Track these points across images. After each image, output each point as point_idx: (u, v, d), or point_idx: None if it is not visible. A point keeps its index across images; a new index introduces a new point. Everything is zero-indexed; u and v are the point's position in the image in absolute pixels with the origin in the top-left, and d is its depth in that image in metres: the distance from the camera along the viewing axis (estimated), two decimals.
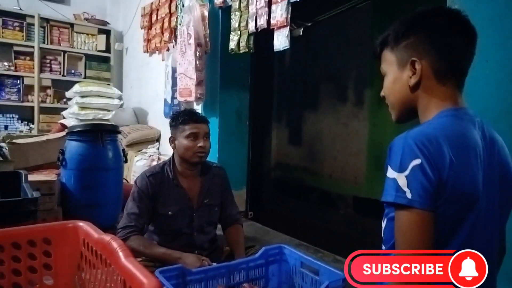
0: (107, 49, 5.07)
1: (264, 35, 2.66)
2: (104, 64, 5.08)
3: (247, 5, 2.62)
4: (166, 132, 4.03)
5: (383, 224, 0.86)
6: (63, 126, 3.82)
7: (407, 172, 0.71)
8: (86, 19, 5.07)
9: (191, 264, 1.47)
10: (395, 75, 0.87)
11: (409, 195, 0.71)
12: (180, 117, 1.76)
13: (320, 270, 1.40)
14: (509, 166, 0.85)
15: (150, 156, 3.71)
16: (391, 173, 0.74)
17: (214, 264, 1.61)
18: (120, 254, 0.70)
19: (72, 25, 4.92)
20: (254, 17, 2.54)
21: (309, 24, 3.82)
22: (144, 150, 3.94)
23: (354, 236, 4.10)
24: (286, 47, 2.33)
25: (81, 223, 0.95)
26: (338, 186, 4.76)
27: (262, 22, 2.47)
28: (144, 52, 4.40)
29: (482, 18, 1.39)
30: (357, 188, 4.52)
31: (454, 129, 0.78)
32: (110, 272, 0.76)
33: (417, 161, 0.71)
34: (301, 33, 3.45)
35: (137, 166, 3.62)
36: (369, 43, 4.42)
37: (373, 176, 4.37)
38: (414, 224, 0.71)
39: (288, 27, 2.30)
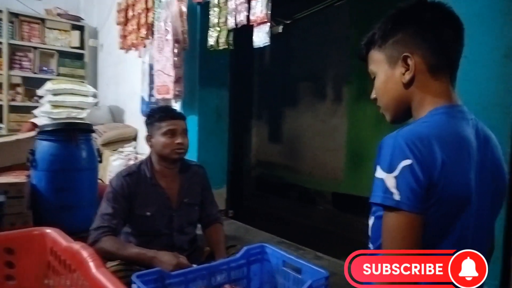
0: (81, 46, 4.91)
1: (244, 32, 2.63)
2: (78, 61, 4.91)
3: (226, 1, 2.58)
4: (143, 131, 3.91)
5: (370, 222, 0.84)
6: (34, 125, 3.67)
7: (396, 173, 0.70)
8: (58, 14, 4.89)
9: (167, 262, 1.41)
10: (386, 74, 0.85)
11: (397, 197, 0.69)
12: (156, 114, 1.70)
13: (302, 269, 1.38)
14: (501, 166, 0.84)
15: (126, 155, 3.62)
16: (379, 173, 0.72)
17: (194, 265, 1.57)
18: (91, 264, 0.64)
19: (43, 20, 4.73)
20: (234, 13, 2.49)
21: (288, 22, 3.81)
22: (120, 149, 3.84)
23: (334, 231, 4.13)
24: (267, 44, 2.30)
25: (48, 230, 0.88)
26: (318, 183, 4.79)
27: (241, 18, 2.43)
28: (120, 48, 4.27)
29: (461, 14, 1.40)
30: (336, 184, 4.56)
31: (447, 127, 0.76)
32: (80, 283, 0.70)
33: (407, 162, 0.69)
34: (280, 31, 3.43)
35: (113, 166, 3.52)
36: (347, 41, 4.46)
37: (351, 172, 4.42)
38: (401, 227, 0.70)
39: (269, 23, 2.27)
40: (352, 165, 4.38)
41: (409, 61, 0.80)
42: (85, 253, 0.68)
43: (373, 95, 0.91)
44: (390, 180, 0.70)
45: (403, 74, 0.81)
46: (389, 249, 0.72)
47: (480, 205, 0.78)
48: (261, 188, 4.63)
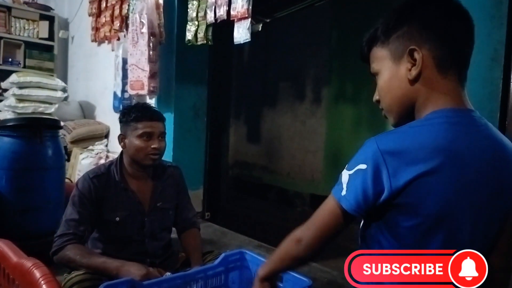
0: (51, 37, 4.65)
1: (223, 27, 2.53)
2: (46, 53, 4.65)
3: None
4: (115, 128, 3.77)
5: (362, 222, 0.84)
6: None
7: (351, 172, 0.73)
8: (26, 3, 4.62)
9: (134, 273, 1.31)
10: (391, 71, 0.79)
11: (343, 192, 0.73)
12: (132, 113, 1.56)
13: (284, 277, 1.31)
14: (507, 177, 0.76)
15: (97, 153, 3.44)
16: (345, 167, 0.76)
17: (168, 273, 1.47)
18: (44, 287, 0.53)
19: (9, 8, 4.45)
20: (213, 7, 2.40)
21: (268, 20, 3.74)
22: (90, 147, 3.65)
23: None
24: (247, 40, 2.23)
25: None
26: (296, 184, 4.76)
27: (221, 12, 2.34)
28: (92, 41, 4.08)
29: None
30: (314, 186, 4.55)
31: (437, 135, 0.70)
32: None
33: (363, 166, 0.71)
34: (260, 29, 3.36)
35: (82, 164, 3.34)
36: (328, 42, 4.45)
37: (330, 174, 4.42)
38: (328, 215, 0.77)
39: (250, 19, 2.20)
40: (330, 167, 4.37)
41: (416, 55, 0.74)
42: (38, 273, 0.57)
43: (375, 97, 0.85)
44: (345, 176, 0.74)
45: (409, 69, 0.75)
46: (308, 223, 0.81)
47: (465, 223, 0.72)
48: (239, 189, 4.55)
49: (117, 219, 1.54)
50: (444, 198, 0.70)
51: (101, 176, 1.55)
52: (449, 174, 0.69)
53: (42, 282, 0.55)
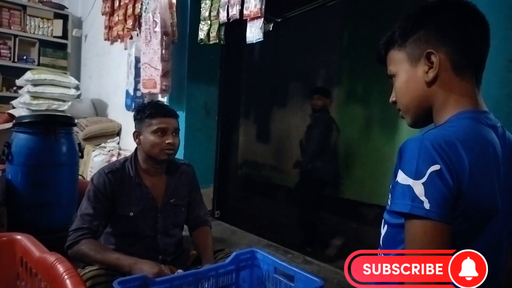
0: (64, 35, 4.72)
1: (235, 26, 2.54)
2: (60, 51, 4.71)
3: None
4: (127, 126, 3.81)
5: (383, 231, 0.79)
6: (11, 117, 3.50)
7: (424, 179, 0.64)
8: (41, 1, 4.69)
9: (147, 271, 1.32)
10: (408, 73, 0.80)
11: (426, 205, 0.64)
12: (147, 110, 1.59)
13: (295, 277, 1.32)
14: None
15: (109, 151, 3.48)
16: (404, 179, 0.66)
17: (180, 271, 1.48)
18: (68, 282, 0.54)
19: (24, 7, 4.52)
20: (226, 6, 2.40)
21: (279, 20, 3.74)
22: (103, 145, 3.69)
23: (321, 234, 4.10)
24: (260, 40, 2.23)
25: (19, 236, 0.77)
26: None
27: (234, 12, 2.35)
28: (105, 40, 4.12)
29: None
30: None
31: (474, 134, 0.71)
32: None
33: (435, 167, 0.64)
34: (271, 29, 3.36)
35: (94, 161, 3.38)
36: (339, 41, 4.43)
37: (339, 175, 4.40)
38: (430, 237, 0.65)
39: (262, 18, 2.20)
40: (340, 168, 4.35)
41: (433, 58, 0.75)
42: (62, 267, 0.58)
43: (392, 98, 0.86)
44: (418, 187, 0.65)
45: (426, 72, 0.76)
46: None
47: (503, 217, 0.73)
48: (248, 188, 4.56)
49: (131, 214, 1.55)
50: (494, 191, 0.70)
51: (116, 172, 1.58)
52: (492, 167, 0.70)
53: (65, 276, 0.56)
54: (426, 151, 0.66)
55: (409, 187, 0.66)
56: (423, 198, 0.64)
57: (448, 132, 0.70)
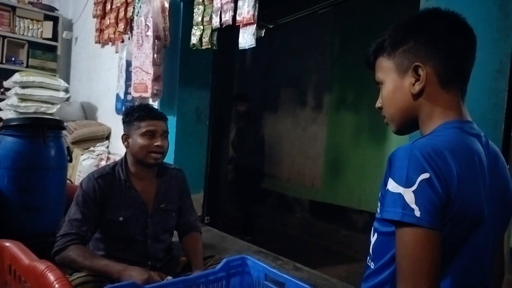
0: (54, 37, 4.66)
1: (227, 32, 2.55)
2: (49, 53, 4.66)
3: None
4: (116, 129, 3.77)
5: (372, 239, 0.79)
6: None
7: (414, 187, 0.65)
8: (30, 3, 4.64)
9: (136, 277, 1.31)
10: (395, 83, 0.81)
11: (417, 213, 0.65)
12: (135, 112, 1.59)
13: (286, 284, 1.31)
14: (509, 186, 0.81)
15: (98, 155, 3.45)
16: (394, 187, 0.67)
17: (170, 277, 1.47)
18: None
19: (14, 8, 4.46)
20: (219, 12, 2.41)
21: (271, 26, 3.76)
22: (91, 148, 3.65)
23: (311, 240, 4.10)
24: (252, 46, 2.24)
25: (7, 243, 0.74)
26: (295, 190, 4.77)
27: (227, 18, 2.35)
28: (96, 42, 4.08)
29: None
30: (314, 192, 4.55)
31: (461, 143, 0.73)
32: None
33: (425, 175, 0.65)
34: (262, 35, 3.38)
35: (83, 165, 3.34)
36: (330, 49, 4.47)
37: (329, 181, 4.42)
38: (422, 245, 0.66)
39: (255, 24, 2.21)
40: (330, 174, 4.37)
41: (420, 71, 0.76)
42: (52, 276, 0.56)
43: (378, 104, 0.87)
44: (408, 195, 0.66)
45: (413, 84, 0.78)
46: (408, 269, 0.67)
47: (489, 224, 0.74)
48: (238, 193, 4.54)
49: (121, 218, 1.54)
50: (480, 200, 0.71)
51: (105, 176, 1.56)
52: (478, 176, 0.72)
53: (56, 285, 0.54)
54: (415, 160, 0.67)
55: (399, 195, 0.66)
56: (413, 206, 0.65)
57: (437, 141, 0.71)
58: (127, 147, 1.62)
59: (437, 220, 0.65)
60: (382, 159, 3.80)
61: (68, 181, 2.46)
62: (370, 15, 3.83)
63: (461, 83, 0.79)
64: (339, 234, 3.97)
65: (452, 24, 0.76)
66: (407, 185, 0.66)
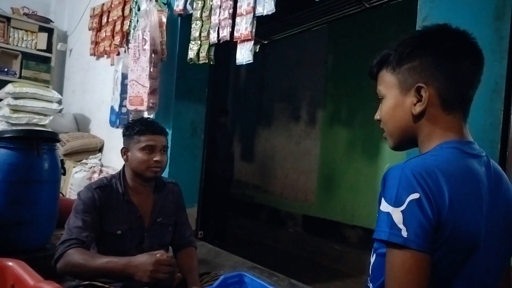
0: (48, 49, 4.65)
1: (223, 47, 2.57)
2: (43, 64, 4.63)
3: (209, 15, 2.52)
4: (110, 142, 3.74)
5: (372, 259, 0.78)
6: None
7: (403, 207, 0.65)
8: (26, 14, 4.63)
9: (143, 265, 1.26)
10: (396, 100, 0.80)
11: (404, 233, 0.64)
12: (136, 126, 1.58)
13: None
14: None
15: (91, 167, 3.40)
16: (385, 206, 0.67)
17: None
18: None
19: (9, 19, 4.45)
20: (217, 28, 2.43)
21: (265, 42, 3.81)
22: (84, 161, 3.61)
23: (304, 256, 4.07)
24: (250, 61, 2.26)
25: (10, 263, 0.72)
26: (289, 205, 4.75)
27: (225, 33, 2.38)
28: (91, 55, 4.09)
29: None
30: (307, 207, 4.54)
31: (456, 163, 0.71)
32: None
33: (415, 196, 0.65)
34: (257, 50, 3.42)
35: (75, 178, 3.29)
36: (324, 65, 4.54)
37: (323, 195, 4.42)
38: (407, 267, 0.64)
39: (253, 41, 2.23)
40: (323, 188, 4.38)
41: (423, 93, 0.75)
42: None
43: (377, 116, 0.86)
44: (396, 215, 0.65)
45: (414, 104, 0.77)
46: None
47: (489, 250, 0.73)
48: (232, 208, 4.52)
49: (119, 232, 1.52)
50: (476, 224, 0.70)
51: (104, 188, 1.55)
52: (474, 199, 0.71)
53: None
54: (406, 180, 0.66)
55: (388, 214, 0.66)
56: (401, 226, 0.64)
57: (430, 161, 0.70)
58: (126, 160, 1.61)
59: (425, 242, 0.64)
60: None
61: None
62: (363, 32, 3.91)
63: (464, 105, 0.78)
64: (332, 250, 3.96)
65: (460, 45, 0.75)
66: (396, 204, 0.66)
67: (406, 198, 0.65)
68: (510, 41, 1.32)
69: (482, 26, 1.36)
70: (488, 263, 0.73)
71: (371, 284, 0.78)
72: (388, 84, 0.81)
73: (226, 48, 2.64)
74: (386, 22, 3.68)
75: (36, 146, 1.93)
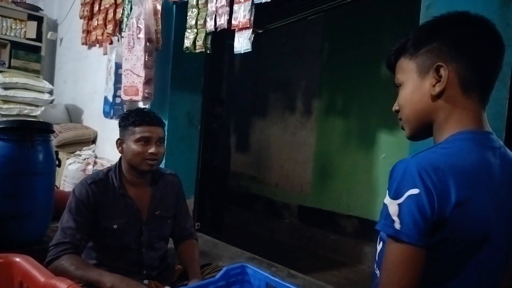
0: (38, 38, 4.53)
1: (220, 35, 2.52)
2: (33, 54, 4.52)
3: (206, 2, 2.46)
4: (103, 133, 3.68)
5: (378, 247, 0.78)
6: None
7: (401, 200, 0.66)
8: (14, 2, 4.50)
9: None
10: (415, 84, 0.78)
11: (397, 226, 0.65)
12: (131, 117, 1.53)
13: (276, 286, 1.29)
14: None
15: (85, 159, 3.35)
16: (386, 198, 0.69)
17: (167, 287, 1.43)
18: None
19: None
20: (214, 15, 2.38)
21: (260, 31, 3.76)
22: (77, 153, 3.55)
23: (300, 246, 4.09)
24: (248, 50, 2.21)
25: (17, 259, 0.69)
26: (284, 195, 4.75)
27: (222, 21, 2.32)
28: (82, 44, 3.99)
29: None
30: (302, 197, 4.55)
31: (469, 157, 0.70)
32: None
33: (414, 191, 0.65)
34: (252, 39, 3.37)
35: (69, 170, 3.24)
36: (320, 54, 4.50)
37: (318, 186, 4.43)
38: (398, 258, 0.66)
39: (251, 29, 2.19)
40: (319, 179, 4.38)
41: (442, 72, 0.74)
42: None
43: (395, 107, 0.85)
44: (393, 207, 0.66)
45: (433, 85, 0.75)
46: (385, 280, 0.68)
47: (499, 242, 0.72)
48: (228, 199, 4.50)
49: (115, 226, 1.49)
50: (486, 219, 0.69)
51: (99, 182, 1.51)
52: (486, 193, 0.69)
53: None
54: (409, 174, 0.66)
55: (386, 205, 0.68)
56: (395, 218, 0.66)
57: (438, 156, 0.70)
58: (121, 152, 1.57)
59: (418, 237, 0.64)
60: (371, 165, 3.83)
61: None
62: (360, 22, 3.87)
63: (483, 90, 0.76)
64: (328, 239, 3.98)
65: (480, 29, 0.74)
66: (394, 197, 0.67)
67: (405, 192, 0.65)
68: None
69: (487, 13, 1.32)
70: (497, 254, 0.73)
71: (378, 271, 0.78)
72: (407, 70, 0.80)
73: (221, 36, 2.59)
74: (382, 12, 3.65)
75: (30, 137, 1.89)
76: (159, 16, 2.73)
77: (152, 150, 1.50)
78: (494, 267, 0.73)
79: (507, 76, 1.31)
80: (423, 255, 0.65)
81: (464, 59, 0.74)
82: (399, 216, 0.65)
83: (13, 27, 4.38)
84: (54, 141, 3.45)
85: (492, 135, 0.77)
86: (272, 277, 1.37)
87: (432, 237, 0.66)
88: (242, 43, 2.24)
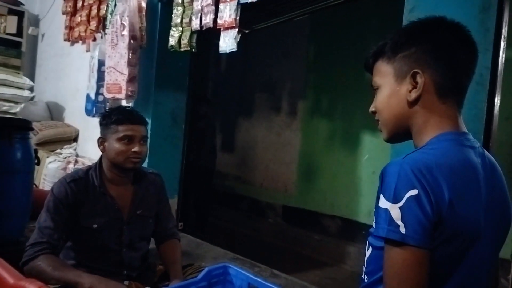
0: (19, 33, 4.42)
1: (205, 35, 2.51)
2: (13, 49, 4.41)
3: (192, 1, 2.44)
4: (85, 131, 3.62)
5: (367, 252, 0.78)
6: None
7: (401, 203, 0.64)
8: None
9: None
10: (392, 88, 0.80)
11: (402, 230, 0.64)
12: (113, 115, 1.51)
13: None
14: (507, 198, 0.80)
15: (65, 157, 3.29)
16: (383, 202, 0.67)
17: None
18: None
19: None
20: (199, 14, 2.36)
21: (246, 31, 3.75)
22: (58, 151, 3.48)
23: (284, 246, 4.10)
24: (233, 50, 2.20)
25: None
26: (269, 195, 4.76)
27: (208, 20, 2.31)
28: (65, 40, 3.90)
29: None
30: (286, 197, 4.56)
31: (455, 156, 0.71)
32: None
33: (413, 192, 0.64)
34: (238, 39, 3.36)
35: (49, 168, 3.17)
36: (305, 56, 4.53)
37: (303, 186, 4.45)
38: (407, 263, 0.64)
39: (237, 29, 2.18)
40: (303, 179, 4.40)
41: (418, 78, 0.75)
42: None
43: (372, 108, 0.86)
44: (395, 211, 0.65)
45: (410, 91, 0.76)
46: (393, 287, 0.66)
47: (487, 240, 0.73)
48: (213, 199, 4.48)
49: (95, 226, 1.46)
50: (476, 217, 0.70)
51: (79, 181, 1.48)
52: (474, 192, 0.71)
53: None
54: (405, 176, 0.66)
55: (386, 210, 0.66)
56: (399, 222, 0.64)
57: (429, 156, 0.70)
58: (102, 151, 1.54)
59: (424, 238, 0.64)
60: (355, 165, 3.87)
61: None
62: (346, 24, 3.91)
63: (458, 95, 0.78)
64: (312, 239, 3.99)
65: (456, 36, 0.76)
66: (394, 200, 0.65)
67: (405, 195, 0.64)
68: (495, 33, 1.34)
69: (468, 18, 1.37)
70: (485, 252, 0.74)
71: (366, 277, 0.78)
72: (384, 74, 0.81)
73: (207, 36, 2.57)
74: (368, 14, 3.69)
75: (7, 135, 1.84)
76: (144, 13, 2.70)
77: (135, 149, 1.48)
78: (482, 264, 0.75)
79: (486, 79, 1.34)
80: (428, 257, 0.64)
81: (441, 66, 0.75)
82: (402, 219, 0.64)
83: None
84: (34, 139, 3.38)
85: (469, 136, 0.78)
86: (254, 277, 1.37)
87: (432, 238, 0.65)
88: (227, 42, 2.23)
